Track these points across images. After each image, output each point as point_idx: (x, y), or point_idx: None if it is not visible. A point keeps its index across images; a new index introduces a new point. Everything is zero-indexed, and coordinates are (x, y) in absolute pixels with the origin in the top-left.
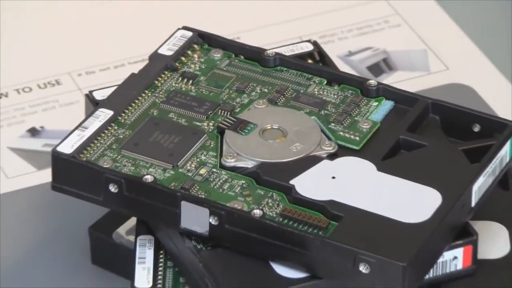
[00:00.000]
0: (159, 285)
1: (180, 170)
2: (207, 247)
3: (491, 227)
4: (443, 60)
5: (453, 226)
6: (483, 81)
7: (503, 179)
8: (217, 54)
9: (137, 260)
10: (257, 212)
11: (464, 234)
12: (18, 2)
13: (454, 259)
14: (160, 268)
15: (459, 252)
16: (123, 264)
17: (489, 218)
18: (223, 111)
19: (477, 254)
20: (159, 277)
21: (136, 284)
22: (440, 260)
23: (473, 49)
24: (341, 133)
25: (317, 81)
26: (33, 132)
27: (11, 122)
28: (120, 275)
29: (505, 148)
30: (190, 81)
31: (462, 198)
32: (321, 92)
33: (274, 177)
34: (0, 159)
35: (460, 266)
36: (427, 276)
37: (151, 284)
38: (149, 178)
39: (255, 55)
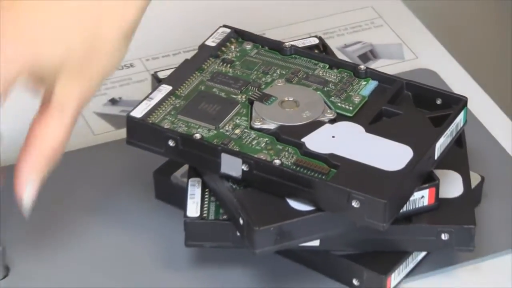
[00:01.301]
0: (204, 215)
1: (220, 130)
2: (240, 187)
3: (449, 174)
4: (414, 51)
5: (421, 173)
6: (443, 67)
7: (458, 139)
8: (248, 46)
9: (188, 196)
10: (277, 161)
11: (429, 179)
12: None
13: (421, 197)
14: (206, 202)
15: (425, 192)
16: (178, 199)
17: (448, 167)
18: (252, 87)
19: (439, 194)
20: (205, 208)
21: (187, 213)
22: (411, 198)
23: (435, 43)
24: (339, 104)
25: (321, 66)
26: (113, 101)
27: (97, 94)
28: (176, 207)
29: (460, 116)
30: (228, 65)
31: (428, 152)
32: (324, 74)
33: (290, 136)
34: (89, 121)
35: (426, 203)
36: (401, 210)
37: (198, 214)
38: (198, 136)
39: (276, 46)
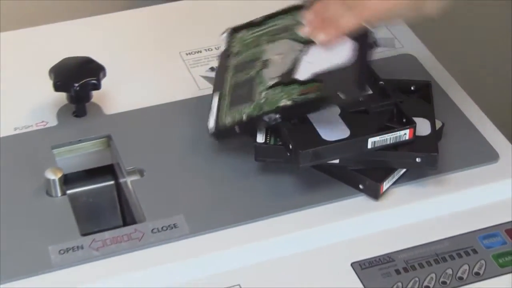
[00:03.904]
0: (267, 141)
1: (255, 102)
2: (289, 124)
3: (422, 120)
4: (401, 42)
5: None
6: (419, 53)
7: (428, 97)
8: (240, 34)
9: (258, 130)
10: (288, 102)
11: (409, 122)
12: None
13: (404, 134)
14: (268, 133)
15: (407, 131)
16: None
17: (421, 116)
18: (257, 61)
19: (415, 132)
20: (268, 137)
21: (257, 140)
22: (397, 134)
23: (414, 37)
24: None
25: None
26: (212, 69)
27: (203, 64)
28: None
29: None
30: (238, 56)
31: None
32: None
33: (288, 78)
34: (197, 81)
35: (407, 138)
36: (391, 142)
37: (263, 140)
38: (244, 117)
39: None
